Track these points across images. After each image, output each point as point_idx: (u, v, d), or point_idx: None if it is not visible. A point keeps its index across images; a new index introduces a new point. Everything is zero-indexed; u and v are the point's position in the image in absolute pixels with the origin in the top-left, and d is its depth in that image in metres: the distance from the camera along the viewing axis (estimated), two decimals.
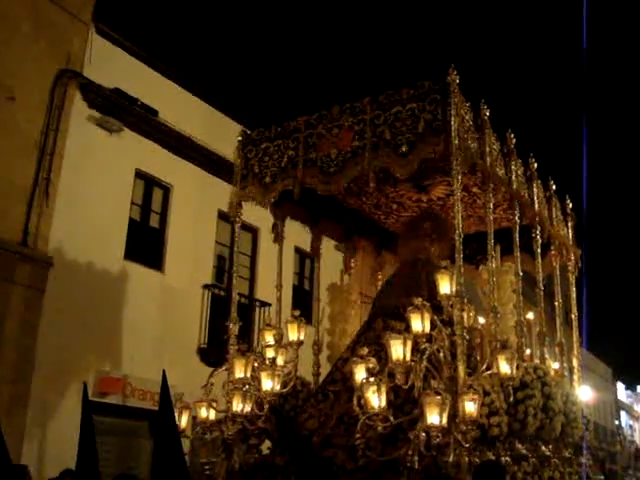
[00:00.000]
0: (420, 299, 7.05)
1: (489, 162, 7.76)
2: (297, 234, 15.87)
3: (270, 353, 7.70)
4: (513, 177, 8.40)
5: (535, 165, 9.23)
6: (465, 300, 6.92)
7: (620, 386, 49.76)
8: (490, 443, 6.74)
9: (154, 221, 14.39)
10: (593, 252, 10.90)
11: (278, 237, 9.37)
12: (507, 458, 6.91)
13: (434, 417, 6.04)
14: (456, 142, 7.06)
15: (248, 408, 7.30)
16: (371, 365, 6.56)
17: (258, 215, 15.09)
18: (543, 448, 7.72)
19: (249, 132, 8.88)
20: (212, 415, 7.57)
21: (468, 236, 8.45)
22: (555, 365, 9.21)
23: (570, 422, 8.15)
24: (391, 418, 6.29)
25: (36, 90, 12.09)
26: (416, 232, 9.18)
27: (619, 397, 48.95)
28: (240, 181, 8.74)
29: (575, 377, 9.57)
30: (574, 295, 10.28)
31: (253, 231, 16.04)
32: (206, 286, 14.80)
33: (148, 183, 14.26)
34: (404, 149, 7.26)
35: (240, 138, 8.87)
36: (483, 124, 7.81)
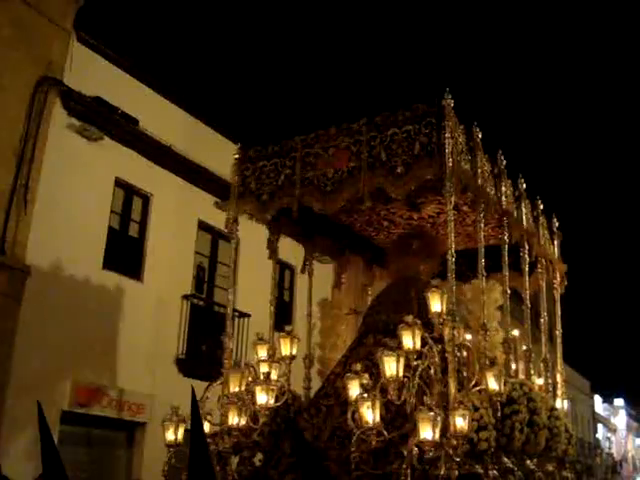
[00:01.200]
0: (411, 316, 7.61)
1: (480, 183, 8.38)
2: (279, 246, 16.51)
3: (264, 368, 8.22)
4: (503, 197, 9.04)
5: (524, 185, 9.89)
6: (457, 318, 7.50)
7: (597, 399, 51.02)
8: (478, 457, 7.32)
9: (133, 230, 14.81)
10: (570, 267, 11.58)
11: (273, 254, 9.78)
12: (494, 472, 7.51)
13: (427, 432, 6.58)
14: (450, 165, 7.64)
15: (243, 422, 7.83)
16: (365, 381, 7.10)
17: (239, 227, 15.90)
18: (528, 462, 8.32)
19: (245, 149, 9.36)
20: (207, 428, 8.06)
21: (455, 253, 9.02)
22: (539, 381, 9.84)
23: (554, 437, 8.76)
24: (385, 433, 6.84)
25: (15, 97, 12.41)
26: (406, 250, 9.79)
27: (596, 410, 50.18)
28: (237, 198, 9.19)
29: (559, 392, 10.24)
30: (559, 312, 10.94)
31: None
32: (185, 296, 15.26)
33: (128, 192, 14.66)
34: (400, 170, 7.82)
35: (237, 155, 9.36)
36: (475, 146, 8.41)
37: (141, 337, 13.95)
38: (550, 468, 8.94)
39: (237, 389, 8.00)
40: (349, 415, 7.00)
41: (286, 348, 8.78)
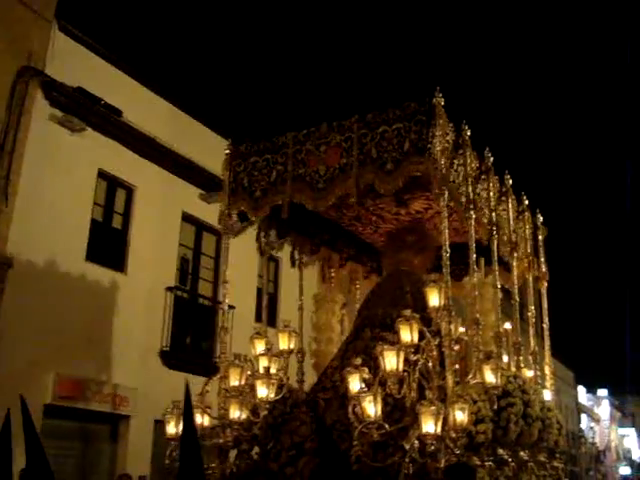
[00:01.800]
0: (410, 311, 8.07)
1: (470, 180, 8.84)
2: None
3: (264, 362, 8.64)
4: (491, 194, 9.51)
5: (510, 182, 10.37)
6: (453, 313, 7.96)
7: (581, 390, 52.14)
8: (475, 449, 7.80)
9: (117, 222, 15.10)
10: (553, 262, 12.17)
11: (263, 250, 10.15)
12: (490, 463, 8.01)
13: (429, 426, 7.04)
14: (441, 162, 8.08)
15: (244, 415, 8.27)
16: (366, 375, 7.55)
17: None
18: (521, 453, 8.81)
19: (237, 145, 9.70)
20: (207, 421, 8.48)
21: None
22: (529, 373, 10.37)
23: (546, 428, 9.28)
24: (386, 426, 7.29)
25: None
26: (400, 244, 10.25)
27: (580, 400, 51.28)
28: (230, 194, 9.54)
29: (547, 384, 10.79)
30: (545, 305, 11.48)
31: (217, 233, 16.50)
32: (169, 288, 15.60)
33: (111, 184, 14.96)
34: (390, 167, 8.20)
35: (228, 151, 9.69)
36: (464, 143, 8.85)
37: (124, 329, 14.27)
38: (542, 458, 9.45)
39: (237, 383, 8.41)
40: (350, 409, 7.44)
41: (284, 342, 9.20)
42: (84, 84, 13.90)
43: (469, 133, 8.95)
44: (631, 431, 73.73)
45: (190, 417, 4.54)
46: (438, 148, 8.06)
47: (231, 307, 15.47)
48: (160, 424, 13.31)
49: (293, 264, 10.85)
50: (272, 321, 17.50)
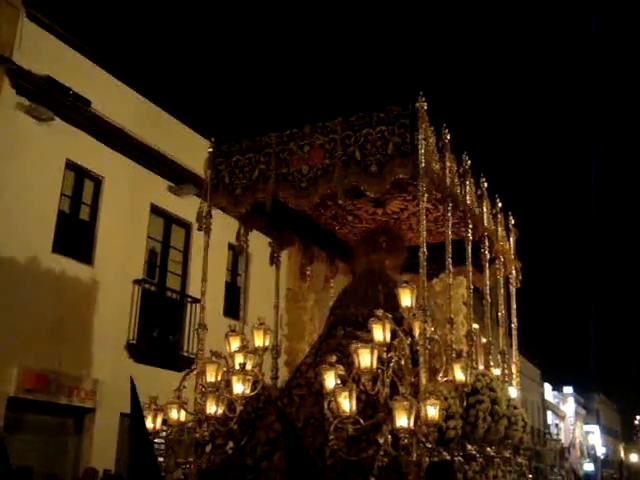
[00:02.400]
0: (382, 310, 8.64)
1: (449, 182, 9.43)
2: (231, 230, 17.15)
3: (239, 358, 9.15)
4: (467, 196, 10.12)
5: (485, 184, 11.00)
6: (427, 314, 8.55)
7: (547, 387, 53.48)
8: (446, 444, 8.40)
9: (84, 214, 15.30)
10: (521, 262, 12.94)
11: (243, 248, 10.65)
12: (460, 458, 8.64)
13: (402, 420, 7.62)
14: (422, 165, 8.64)
15: (220, 410, 8.78)
16: (341, 372, 8.10)
17: (192, 211, 16.39)
18: (488, 449, 9.45)
19: (219, 144, 10.16)
20: (182, 417, 8.98)
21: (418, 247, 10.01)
22: (497, 371, 11.02)
23: (512, 425, 9.93)
24: (361, 421, 7.85)
25: None
26: (372, 245, 10.83)
27: (546, 398, 52.60)
28: (211, 192, 10.00)
29: (514, 382, 11.46)
30: (515, 306, 12.16)
31: (186, 226, 17.30)
32: (137, 281, 15.93)
33: (79, 174, 15.19)
34: (374, 169, 8.73)
35: (210, 149, 10.14)
36: (444, 147, 9.42)
37: (91, 322, 14.53)
38: (507, 454, 10.10)
39: (214, 379, 8.92)
40: (325, 405, 7.98)
41: (259, 339, 9.73)
42: (52, 73, 14.04)
43: (449, 137, 9.50)
44: (595, 428, 75.58)
45: (138, 412, 5.06)
46: (422, 151, 8.59)
47: (198, 300, 16.07)
48: (126, 418, 13.78)
49: (272, 262, 11.32)
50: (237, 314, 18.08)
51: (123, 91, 16.06)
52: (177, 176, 16.86)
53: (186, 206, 16.54)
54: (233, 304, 17.84)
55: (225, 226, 17.04)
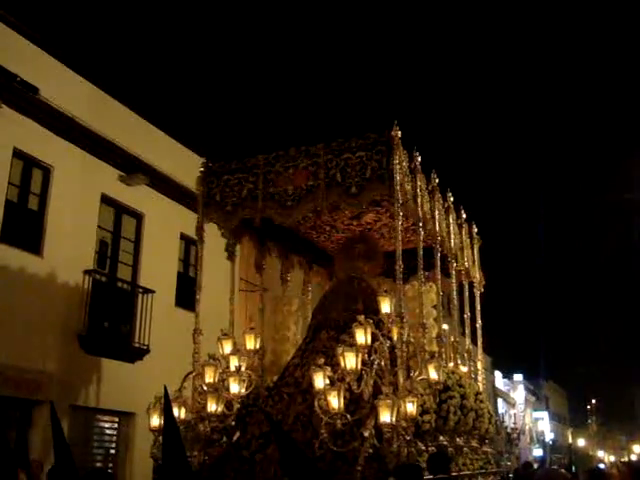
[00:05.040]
0: (363, 316, 9.63)
1: (420, 201, 10.46)
2: (183, 220, 17.36)
3: (234, 361, 10.11)
4: (436, 212, 11.17)
5: (452, 199, 12.08)
6: (404, 320, 9.57)
7: (498, 375, 55.12)
8: (421, 436, 9.45)
9: (33, 203, 14.86)
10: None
11: (232, 256, 11.53)
12: (433, 448, 9.70)
13: (385, 416, 8.65)
14: (398, 188, 9.64)
15: (220, 409, 9.73)
16: (329, 373, 9.08)
17: (143, 201, 17.06)
18: (458, 439, 10.56)
19: (210, 164, 11.06)
20: (183, 415, 9.88)
21: (393, 253, 10.95)
22: (464, 368, 12.11)
23: (479, 417, 11.05)
24: (348, 417, 8.84)
25: None
26: (351, 253, 11.84)
27: (497, 385, 54.20)
28: (204, 207, 10.88)
29: (479, 378, 12.59)
30: (479, 307, 13.29)
31: (138, 216, 17.34)
32: (87, 271, 15.50)
33: (27, 163, 14.70)
34: (354, 190, 9.71)
35: (202, 169, 11.03)
36: (415, 168, 10.43)
37: (40, 313, 14.17)
38: (474, 444, 11.21)
39: (211, 380, 9.86)
40: (316, 402, 8.95)
41: (250, 342, 10.70)
42: None
43: (420, 159, 10.50)
44: (544, 414, 77.77)
45: (170, 414, 5.04)
46: (397, 177, 9.57)
47: (150, 291, 16.61)
48: (77, 410, 14.18)
49: (258, 269, 12.24)
50: (192, 305, 18.25)
51: (73, 79, 15.71)
52: (128, 165, 16.59)
53: (137, 196, 16.88)
54: (185, 295, 18.03)
55: (177, 216, 17.87)
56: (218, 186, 10.83)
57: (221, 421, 9.78)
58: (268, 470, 9.26)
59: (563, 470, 14.80)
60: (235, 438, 10.10)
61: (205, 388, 9.85)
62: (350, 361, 9.06)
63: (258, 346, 10.93)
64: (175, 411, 9.72)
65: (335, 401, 8.73)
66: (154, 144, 17.61)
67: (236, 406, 9.94)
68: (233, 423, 9.99)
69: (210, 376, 9.89)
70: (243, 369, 10.14)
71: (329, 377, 8.99)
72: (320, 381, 9.02)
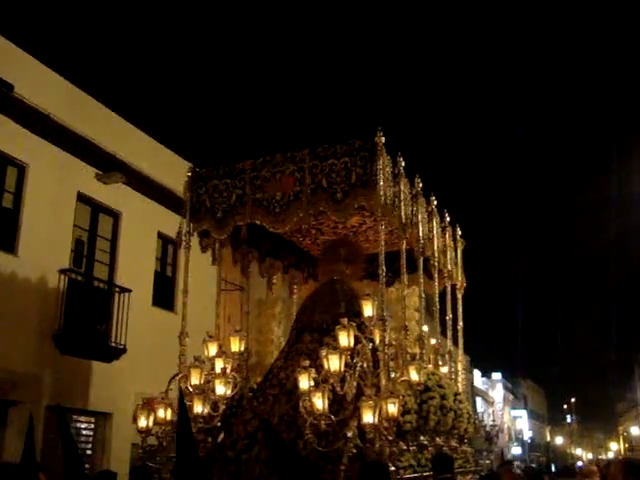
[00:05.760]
0: (346, 319, 9.92)
1: (403, 206, 10.75)
2: (160, 218, 17.78)
3: (220, 363, 10.38)
4: (419, 216, 11.47)
5: (435, 202, 12.39)
6: (387, 323, 9.87)
7: (477, 373, 55.70)
8: (403, 436, 9.75)
9: (7, 202, 14.81)
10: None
11: (218, 260, 11.79)
12: (414, 447, 10.02)
13: (368, 417, 8.95)
14: (381, 193, 9.92)
15: (206, 410, 9.99)
16: (314, 375, 9.37)
17: (120, 199, 17.11)
18: (438, 439, 10.87)
19: (197, 169, 11.29)
20: (169, 415, 10.13)
21: (376, 256, 11.16)
22: (444, 369, 12.43)
23: (458, 417, 11.37)
24: (332, 417, 9.13)
25: None
26: (332, 257, 12.14)
27: (475, 384, 54.76)
28: (193, 214, 11.09)
29: (459, 379, 12.92)
30: (461, 309, 13.63)
31: (114, 215, 17.38)
32: (63, 270, 15.44)
33: (2, 161, 14.63)
34: (339, 196, 9.97)
35: (189, 174, 11.24)
36: (399, 174, 10.72)
37: (15, 313, 14.16)
38: (453, 444, 11.53)
39: (198, 382, 10.12)
40: (300, 403, 9.23)
41: (235, 345, 10.97)
42: None
43: (403, 164, 10.79)
44: (523, 413, 78.67)
45: (184, 415, 5.20)
46: (381, 183, 9.86)
47: (127, 290, 16.62)
48: (53, 410, 13.90)
49: (243, 272, 12.50)
50: (169, 304, 18.59)
51: (49, 76, 15.63)
52: (105, 164, 16.58)
53: (114, 194, 16.91)
54: (162, 294, 18.39)
55: (155, 215, 18.05)
56: (207, 192, 11.04)
57: (207, 422, 10.02)
58: (253, 470, 9.56)
59: (519, 471, 15.34)
60: (220, 439, 10.33)
61: (191, 390, 10.06)
62: (334, 363, 9.36)
63: (243, 348, 11.14)
64: (161, 412, 10.02)
65: (319, 402, 9.02)
66: (132, 143, 17.65)
67: (222, 407, 10.16)
68: (219, 424, 10.20)
69: (196, 378, 10.14)
70: (228, 371, 10.36)
71: (315, 379, 9.26)
72: (305, 383, 9.30)
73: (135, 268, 17.53)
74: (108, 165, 16.60)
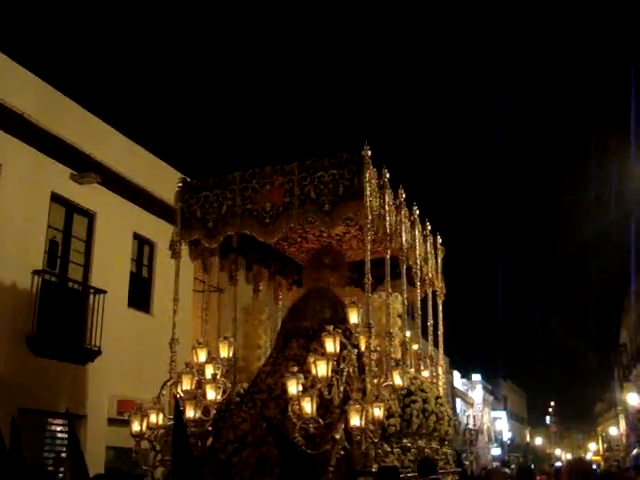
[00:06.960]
0: (332, 326, 10.46)
1: (387, 216, 11.30)
2: (136, 219, 18.14)
3: (210, 369, 10.89)
4: (402, 225, 12.04)
5: (417, 212, 12.97)
6: (372, 330, 10.41)
7: (456, 375, 56.44)
8: (387, 439, 10.34)
9: None
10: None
11: (206, 268, 12.32)
12: (398, 449, 10.60)
13: (355, 420, 9.51)
14: (367, 204, 10.46)
15: (198, 415, 10.50)
16: (302, 381, 9.89)
17: (95, 199, 17.31)
18: (420, 441, 11.47)
19: (188, 180, 11.79)
20: (160, 420, 10.62)
21: (360, 263, 11.71)
22: (425, 373, 13.02)
23: (439, 420, 11.96)
24: (321, 421, 9.67)
25: None
26: (317, 264, 12.71)
27: (455, 385, 55.50)
28: (185, 224, 11.57)
29: (440, 382, 13.52)
30: (441, 315, 14.23)
31: (89, 216, 17.53)
32: (36, 271, 15.51)
33: None
34: (327, 208, 10.51)
35: (180, 185, 11.74)
36: (384, 185, 11.28)
37: None
38: (434, 445, 12.12)
39: (189, 387, 10.64)
40: (289, 408, 9.76)
41: (224, 351, 11.49)
42: None
43: (388, 176, 11.35)
44: (503, 414, 79.53)
45: (179, 421, 5.81)
46: (367, 194, 10.40)
47: (102, 291, 16.79)
48: (27, 413, 14.20)
49: (230, 279, 13.02)
50: (145, 306, 18.99)
51: (23, 75, 15.75)
52: (80, 164, 16.72)
53: (89, 195, 17.09)
54: (138, 295, 18.69)
55: (130, 215, 18.34)
56: (198, 202, 11.52)
57: (197, 426, 10.50)
58: (244, 473, 10.08)
59: (506, 469, 16.04)
60: (209, 442, 10.83)
61: (182, 395, 10.56)
62: (321, 369, 9.89)
63: (231, 355, 11.65)
64: (153, 417, 10.51)
65: (308, 406, 9.55)
66: (107, 143, 17.84)
67: (213, 412, 10.66)
68: (210, 428, 10.70)
69: (187, 384, 10.64)
70: (218, 377, 10.87)
71: (304, 385, 9.79)
72: (294, 388, 9.82)
73: (110, 269, 17.73)
74: (83, 165, 16.76)
